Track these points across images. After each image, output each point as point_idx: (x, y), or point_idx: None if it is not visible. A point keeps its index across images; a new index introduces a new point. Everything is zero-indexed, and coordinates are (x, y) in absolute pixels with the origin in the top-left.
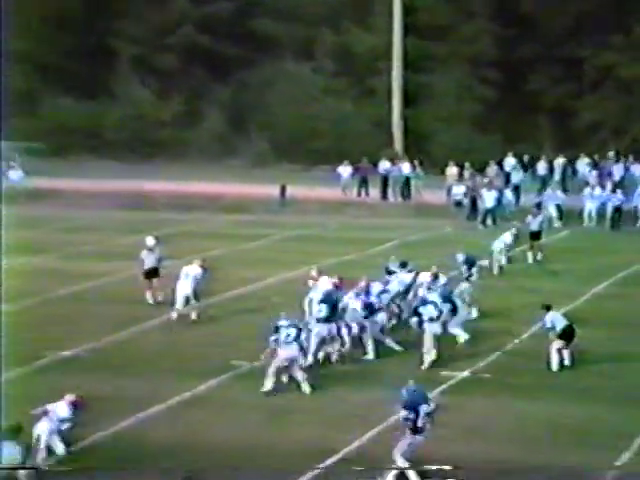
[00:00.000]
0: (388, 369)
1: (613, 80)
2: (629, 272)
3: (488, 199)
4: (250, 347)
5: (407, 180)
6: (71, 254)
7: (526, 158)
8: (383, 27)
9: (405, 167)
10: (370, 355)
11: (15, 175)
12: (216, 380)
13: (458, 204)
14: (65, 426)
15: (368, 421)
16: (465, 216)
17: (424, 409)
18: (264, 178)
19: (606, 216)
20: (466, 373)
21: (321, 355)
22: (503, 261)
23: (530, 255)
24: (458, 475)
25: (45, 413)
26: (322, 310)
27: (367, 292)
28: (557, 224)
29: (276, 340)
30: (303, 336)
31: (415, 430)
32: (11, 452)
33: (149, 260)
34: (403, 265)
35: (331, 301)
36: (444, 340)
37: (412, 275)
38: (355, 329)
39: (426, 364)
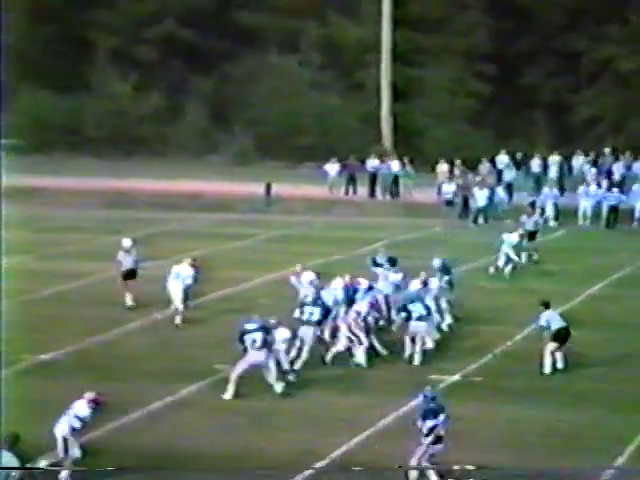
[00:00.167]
0: (374, 373)
1: (611, 73)
2: (624, 273)
3: (480, 198)
4: (234, 350)
5: (396, 178)
6: (53, 254)
7: (519, 155)
8: (371, 18)
9: (394, 165)
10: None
11: None
12: (200, 384)
13: (449, 203)
14: (78, 425)
15: (355, 425)
16: (456, 215)
17: (442, 417)
18: (248, 176)
19: (602, 215)
20: (456, 377)
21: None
22: (517, 259)
23: (525, 255)
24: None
25: (65, 413)
26: (314, 313)
27: (354, 290)
28: (552, 223)
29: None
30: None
31: (437, 439)
32: (8, 462)
33: (127, 262)
34: (391, 262)
35: (324, 304)
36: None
37: (401, 276)
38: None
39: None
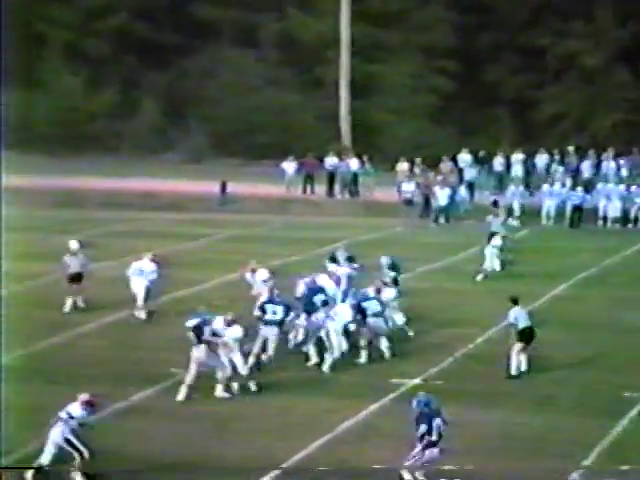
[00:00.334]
0: (334, 377)
1: (576, 69)
2: (589, 273)
3: (441, 197)
4: (189, 353)
5: (355, 177)
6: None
7: (482, 154)
8: (331, 13)
9: (353, 163)
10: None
11: None
12: (155, 388)
13: (408, 202)
14: (74, 425)
15: (315, 429)
16: (416, 214)
17: (437, 422)
18: (203, 174)
19: (565, 215)
20: (417, 380)
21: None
22: (497, 265)
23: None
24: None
25: (59, 419)
26: (277, 312)
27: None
28: (515, 222)
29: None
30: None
31: (429, 444)
32: None
33: (73, 264)
34: (350, 260)
35: (287, 304)
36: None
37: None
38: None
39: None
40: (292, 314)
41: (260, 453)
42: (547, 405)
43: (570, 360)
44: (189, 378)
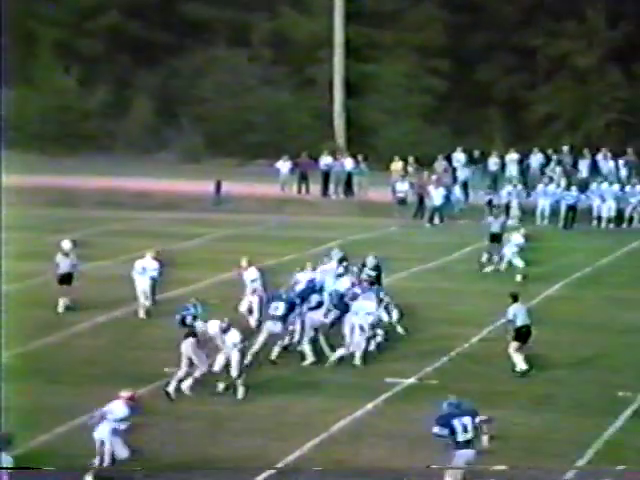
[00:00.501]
0: (328, 376)
1: (568, 69)
2: (583, 273)
3: (436, 196)
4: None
5: (349, 176)
6: None
7: (476, 153)
8: (324, 12)
9: (347, 162)
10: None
11: None
12: (149, 387)
13: (402, 202)
14: (123, 426)
15: (309, 429)
16: (410, 214)
17: (464, 421)
18: (197, 173)
19: (560, 214)
20: (412, 380)
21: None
22: (520, 264)
23: (485, 256)
24: None
25: (102, 417)
26: (279, 307)
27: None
28: (516, 222)
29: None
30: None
31: (459, 446)
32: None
33: (64, 265)
34: (341, 261)
35: (289, 299)
36: (387, 345)
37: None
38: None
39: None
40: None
41: (255, 453)
42: (542, 404)
43: (565, 360)
44: (180, 373)
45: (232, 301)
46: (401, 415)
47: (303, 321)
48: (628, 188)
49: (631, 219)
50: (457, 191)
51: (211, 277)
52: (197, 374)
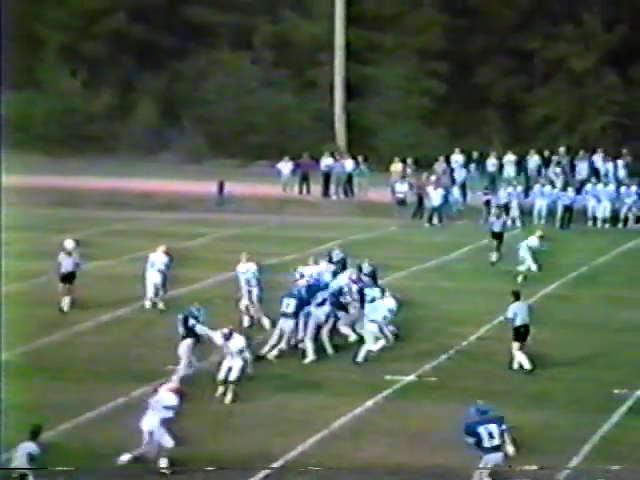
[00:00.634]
0: (328, 374)
1: (565, 72)
2: (580, 273)
3: (435, 197)
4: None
5: (350, 177)
6: None
7: (475, 155)
8: (325, 15)
9: (348, 163)
10: (311, 357)
11: None
12: (152, 385)
13: (401, 202)
14: (170, 414)
15: (309, 426)
16: (409, 214)
17: (489, 428)
18: (200, 174)
19: (556, 215)
20: (412, 377)
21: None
22: (533, 267)
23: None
24: None
25: (149, 406)
26: (290, 304)
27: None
28: (517, 222)
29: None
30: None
31: (487, 451)
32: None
33: (67, 264)
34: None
35: (300, 296)
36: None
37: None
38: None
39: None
40: (306, 308)
41: (256, 449)
42: (538, 402)
43: (562, 358)
44: (182, 371)
45: (235, 300)
46: (401, 412)
47: (307, 318)
48: (623, 189)
49: (626, 220)
50: (455, 192)
51: (214, 276)
52: (178, 375)
